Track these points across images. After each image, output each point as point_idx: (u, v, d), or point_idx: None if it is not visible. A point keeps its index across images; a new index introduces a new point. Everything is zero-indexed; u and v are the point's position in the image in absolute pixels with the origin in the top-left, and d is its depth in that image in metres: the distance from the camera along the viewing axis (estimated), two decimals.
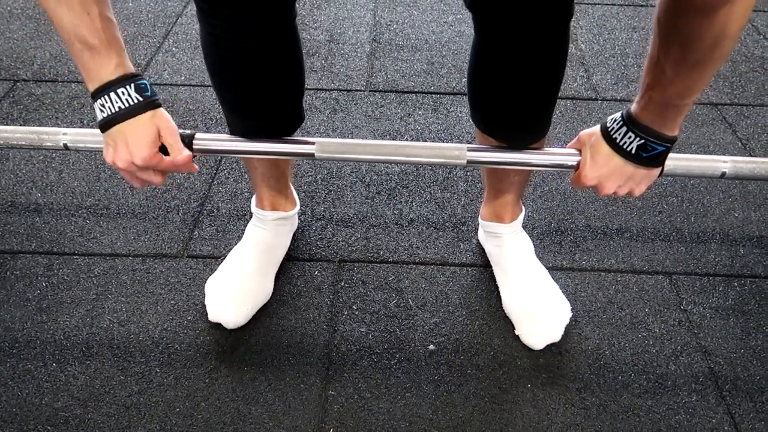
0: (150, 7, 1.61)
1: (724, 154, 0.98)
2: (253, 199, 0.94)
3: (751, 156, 1.19)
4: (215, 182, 1.09)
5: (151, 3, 1.63)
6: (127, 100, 0.61)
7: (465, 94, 1.30)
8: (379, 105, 1.29)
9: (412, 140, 1.19)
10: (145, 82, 0.63)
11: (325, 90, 1.32)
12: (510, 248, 0.90)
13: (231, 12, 0.66)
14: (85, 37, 0.58)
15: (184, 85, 1.32)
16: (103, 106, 0.62)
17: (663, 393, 0.79)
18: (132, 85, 0.62)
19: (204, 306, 0.86)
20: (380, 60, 1.43)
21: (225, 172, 1.11)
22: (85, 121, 1.23)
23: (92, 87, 0.62)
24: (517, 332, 0.84)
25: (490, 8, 0.65)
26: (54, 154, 1.14)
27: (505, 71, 0.70)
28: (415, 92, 1.33)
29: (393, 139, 1.18)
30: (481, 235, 0.96)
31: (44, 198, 1.05)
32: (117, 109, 0.61)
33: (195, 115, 1.25)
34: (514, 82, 0.70)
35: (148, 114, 0.63)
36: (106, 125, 0.63)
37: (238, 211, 1.03)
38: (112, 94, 0.61)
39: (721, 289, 0.92)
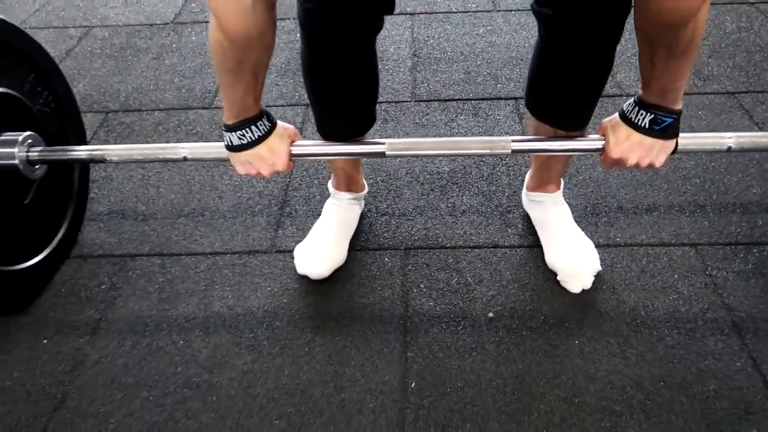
0: None
1: None
2: (330, 183, 1.12)
3: None
4: (290, 189, 1.26)
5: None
6: (262, 128, 0.81)
7: (501, 98, 1.46)
8: (424, 113, 1.45)
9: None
10: (267, 110, 0.82)
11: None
12: (553, 213, 1.06)
13: (336, 23, 0.81)
14: (247, 100, 0.78)
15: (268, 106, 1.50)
16: (243, 135, 0.80)
17: (693, 344, 0.92)
18: (265, 117, 0.80)
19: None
20: (422, 73, 1.59)
21: (297, 180, 1.28)
22: (171, 142, 1.42)
23: (232, 122, 0.79)
24: (558, 278, 1.01)
25: (560, 24, 0.81)
26: (150, 173, 1.32)
27: (566, 72, 0.86)
28: (456, 99, 1.48)
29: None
30: (526, 204, 1.13)
31: (148, 209, 1.23)
32: (256, 137, 0.80)
33: None
34: (574, 80, 0.87)
35: (278, 133, 0.83)
36: (242, 148, 0.81)
37: (312, 211, 1.20)
38: (253, 127, 0.80)
39: (742, 255, 1.05)
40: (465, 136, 1.37)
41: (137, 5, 2.03)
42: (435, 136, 1.37)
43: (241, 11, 0.68)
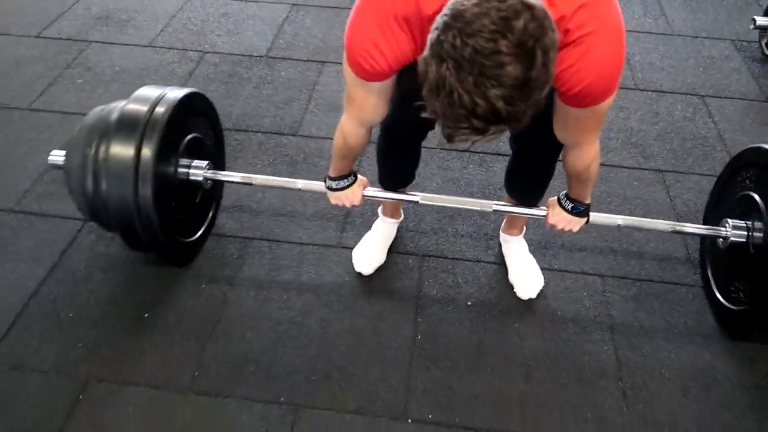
0: (295, 75, 2.44)
1: (658, 209, 1.75)
2: (380, 209, 1.77)
3: (676, 212, 1.93)
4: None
5: (295, 72, 2.45)
6: (350, 180, 1.45)
7: (500, 155, 2.08)
8: (445, 159, 2.08)
9: (466, 185, 1.98)
10: (355, 170, 1.46)
11: None
12: (515, 248, 1.71)
13: (404, 133, 1.46)
14: (346, 167, 1.42)
15: (326, 138, 2.14)
16: (338, 183, 1.44)
17: (583, 334, 1.57)
18: (352, 174, 1.45)
19: (353, 271, 1.69)
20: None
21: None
22: (270, 160, 2.06)
23: (334, 175, 1.44)
24: (515, 290, 1.65)
25: (523, 151, 1.45)
26: (256, 189, 1.97)
27: (525, 176, 1.51)
28: (469, 151, 2.11)
29: (454, 183, 1.98)
30: (501, 238, 1.76)
31: (259, 208, 1.88)
32: (346, 185, 1.45)
33: None
34: (531, 179, 1.51)
35: (358, 182, 1.47)
36: (337, 190, 1.45)
37: (365, 223, 1.84)
38: (345, 180, 1.44)
39: (629, 285, 1.69)
40: (472, 180, 2.01)
41: (237, 36, 2.66)
42: (451, 180, 2.01)
43: (357, 135, 1.32)
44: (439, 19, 0.84)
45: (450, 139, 0.92)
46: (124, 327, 1.56)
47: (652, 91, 2.43)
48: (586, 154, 1.27)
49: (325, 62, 2.50)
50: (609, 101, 1.12)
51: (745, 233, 1.48)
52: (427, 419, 1.40)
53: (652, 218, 1.81)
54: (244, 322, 1.57)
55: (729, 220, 1.51)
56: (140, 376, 1.46)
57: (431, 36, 0.85)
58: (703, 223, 1.72)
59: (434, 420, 1.40)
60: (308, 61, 2.52)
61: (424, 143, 1.54)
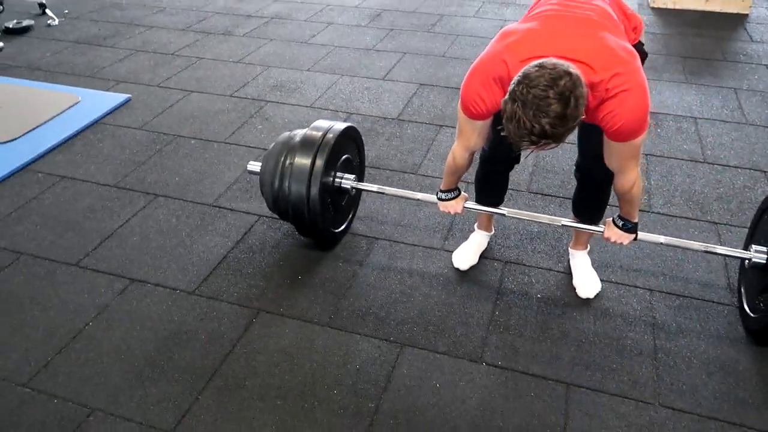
0: (418, 133, 3.12)
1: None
2: (476, 223, 2.31)
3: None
4: (457, 220, 2.48)
5: (419, 131, 3.14)
6: (455, 193, 2.04)
7: (566, 198, 2.59)
8: (533, 201, 2.62)
9: (544, 207, 2.49)
10: (459, 187, 2.05)
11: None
12: (580, 259, 2.18)
13: (497, 161, 2.04)
14: (453, 182, 2.03)
15: (438, 178, 2.75)
16: (447, 195, 2.04)
17: (630, 326, 1.98)
18: (457, 189, 2.04)
19: (452, 266, 2.23)
20: (537, 176, 2.76)
21: (459, 219, 2.49)
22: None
23: (444, 188, 2.04)
24: (576, 291, 2.11)
25: (585, 179, 1.99)
26: (383, 198, 2.60)
27: (587, 199, 2.03)
28: (547, 194, 2.63)
29: (536, 210, 2.50)
30: (570, 254, 2.24)
31: (381, 216, 2.50)
32: (452, 197, 2.04)
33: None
34: (591, 200, 2.03)
35: (461, 196, 2.06)
36: (445, 200, 2.05)
37: (462, 234, 2.39)
38: (452, 192, 2.04)
39: (677, 299, 2.09)
40: (546, 209, 2.52)
41: (376, 103, 3.43)
42: (529, 207, 2.53)
43: (463, 157, 1.91)
44: (515, 78, 1.46)
45: (517, 147, 1.50)
46: (284, 281, 2.19)
47: (719, 165, 2.85)
48: (628, 178, 1.77)
49: (441, 126, 3.18)
50: (640, 138, 1.65)
51: (765, 256, 1.87)
52: (497, 364, 1.87)
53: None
54: (368, 290, 2.15)
55: (753, 246, 1.91)
56: (294, 312, 2.06)
57: (510, 87, 1.46)
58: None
59: (502, 366, 1.86)
60: (429, 124, 3.21)
61: (516, 185, 2.11)
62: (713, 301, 2.08)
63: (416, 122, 3.23)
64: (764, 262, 1.86)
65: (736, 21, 4.64)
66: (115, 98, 3.44)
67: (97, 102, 3.39)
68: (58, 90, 3.52)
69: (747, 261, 1.91)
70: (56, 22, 4.57)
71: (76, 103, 3.35)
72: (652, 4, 4.95)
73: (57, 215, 2.54)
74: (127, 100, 3.45)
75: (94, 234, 2.43)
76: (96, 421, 1.71)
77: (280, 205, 2.22)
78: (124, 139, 3.10)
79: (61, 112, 3.26)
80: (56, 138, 3.04)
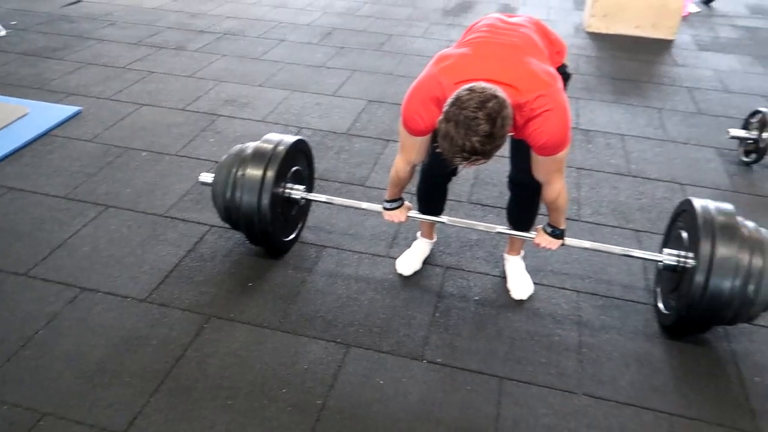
0: (366, 147, 3.26)
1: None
2: (419, 232, 2.46)
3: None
4: (401, 228, 2.61)
5: (366, 145, 3.28)
6: (399, 203, 2.19)
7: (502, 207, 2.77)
8: (472, 210, 2.78)
9: (483, 216, 2.66)
10: (403, 197, 2.19)
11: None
12: (515, 264, 2.35)
13: (436, 174, 2.19)
14: (396, 193, 2.17)
15: (384, 189, 2.89)
16: (391, 204, 2.18)
17: (558, 324, 2.16)
18: (401, 199, 2.19)
19: (396, 272, 2.36)
20: (477, 188, 2.94)
21: (403, 228, 2.63)
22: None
23: (388, 198, 2.18)
24: (511, 293, 2.27)
25: (517, 190, 2.17)
26: (332, 209, 2.72)
27: (518, 208, 2.20)
28: (484, 204, 2.81)
29: (475, 219, 2.66)
30: (505, 259, 2.40)
31: (329, 226, 2.62)
32: (396, 206, 2.19)
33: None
34: (524, 210, 2.20)
35: (404, 206, 2.21)
36: (389, 210, 2.19)
37: (406, 242, 2.53)
38: (396, 202, 2.19)
39: (601, 300, 2.28)
40: (484, 217, 2.69)
41: (326, 118, 3.55)
42: (466, 214, 2.70)
43: (405, 170, 2.06)
44: (449, 99, 1.61)
45: (451, 163, 1.65)
46: (235, 288, 2.28)
47: (642, 177, 3.10)
48: (553, 188, 1.95)
49: (389, 140, 3.33)
50: (563, 153, 1.83)
51: (676, 258, 2.08)
52: (437, 362, 2.00)
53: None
54: (316, 295, 2.26)
55: (665, 249, 2.12)
56: (244, 317, 2.15)
57: (444, 108, 1.61)
58: None
59: (441, 363, 2.00)
60: (377, 138, 3.35)
61: (457, 196, 2.26)
62: (633, 301, 2.28)
63: (364, 137, 3.37)
64: (674, 263, 2.07)
65: (662, 46, 5.01)
66: (65, 110, 3.45)
67: (47, 114, 3.39)
68: (6, 102, 3.50)
69: (660, 263, 2.11)
70: (3, 33, 4.53)
71: (25, 115, 3.35)
72: (587, 29, 5.28)
73: (5, 226, 2.55)
74: (78, 113, 3.47)
75: (44, 244, 2.45)
76: (47, 425, 1.75)
77: (232, 215, 2.31)
78: (74, 151, 3.12)
79: (8, 124, 3.25)
80: (4, 149, 3.03)
